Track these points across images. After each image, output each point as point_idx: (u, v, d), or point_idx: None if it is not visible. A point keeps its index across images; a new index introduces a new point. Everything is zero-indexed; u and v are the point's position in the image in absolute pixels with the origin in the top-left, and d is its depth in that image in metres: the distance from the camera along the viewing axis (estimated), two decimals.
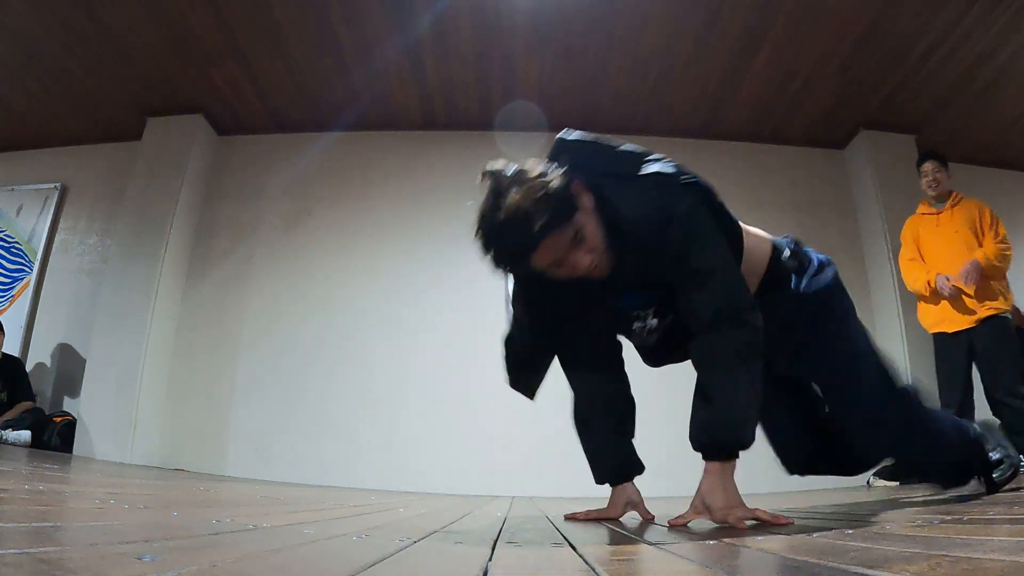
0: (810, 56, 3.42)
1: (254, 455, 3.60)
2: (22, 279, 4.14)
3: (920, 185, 3.02)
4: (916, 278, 2.94)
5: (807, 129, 4.05)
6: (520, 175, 1.00)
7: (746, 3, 3.09)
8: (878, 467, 1.42)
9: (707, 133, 4.00)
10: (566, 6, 3.17)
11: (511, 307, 1.27)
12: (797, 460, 1.39)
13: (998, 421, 2.43)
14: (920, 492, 1.86)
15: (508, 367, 1.32)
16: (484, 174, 1.04)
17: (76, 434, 3.49)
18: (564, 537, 0.84)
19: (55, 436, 3.44)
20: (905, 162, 3.91)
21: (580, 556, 0.63)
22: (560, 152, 1.09)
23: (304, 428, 3.64)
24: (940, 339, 2.87)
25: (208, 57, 3.54)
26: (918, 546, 0.60)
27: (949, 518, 0.91)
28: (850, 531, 0.77)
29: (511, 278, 1.23)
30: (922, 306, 2.98)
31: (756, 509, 0.96)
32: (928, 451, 1.30)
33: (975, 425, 1.47)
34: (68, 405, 3.80)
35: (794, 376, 1.36)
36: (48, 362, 3.96)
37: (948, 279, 2.78)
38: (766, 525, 0.95)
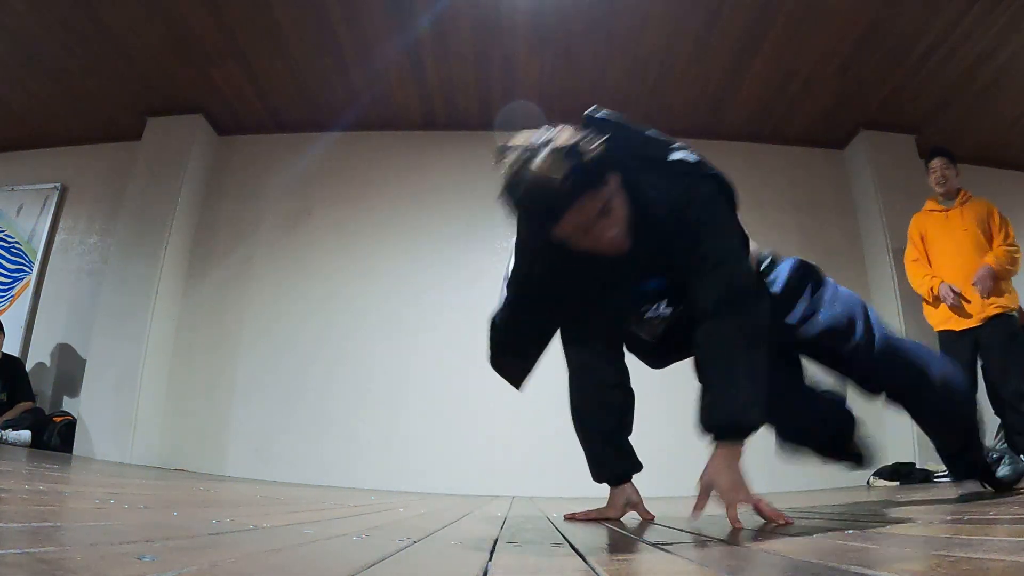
0: (810, 56, 3.42)
1: (254, 455, 3.60)
2: (22, 279, 4.14)
3: (928, 182, 3.02)
4: (920, 283, 2.94)
5: (807, 129, 4.05)
6: (555, 138, 1.00)
7: (746, 3, 3.09)
8: (858, 457, 1.40)
9: (707, 133, 4.00)
10: (566, 6, 3.17)
11: (510, 286, 1.26)
12: (787, 431, 1.38)
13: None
14: (920, 492, 1.86)
15: (493, 348, 1.32)
16: (515, 137, 1.03)
17: (76, 434, 3.49)
18: (564, 537, 0.84)
19: (55, 436, 3.44)
20: (905, 162, 3.92)
21: (580, 556, 0.63)
22: (587, 129, 1.09)
23: (304, 428, 3.64)
24: (946, 337, 2.86)
25: (208, 57, 3.54)
26: (918, 546, 0.60)
27: (949, 518, 0.91)
28: (850, 531, 0.77)
29: (515, 257, 1.23)
30: (927, 304, 2.98)
31: (760, 499, 0.97)
32: (936, 396, 1.30)
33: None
34: (68, 405, 3.80)
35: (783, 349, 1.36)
36: (48, 362, 3.97)
37: (952, 288, 2.78)
38: (765, 518, 0.95)
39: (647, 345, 1.32)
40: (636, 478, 1.28)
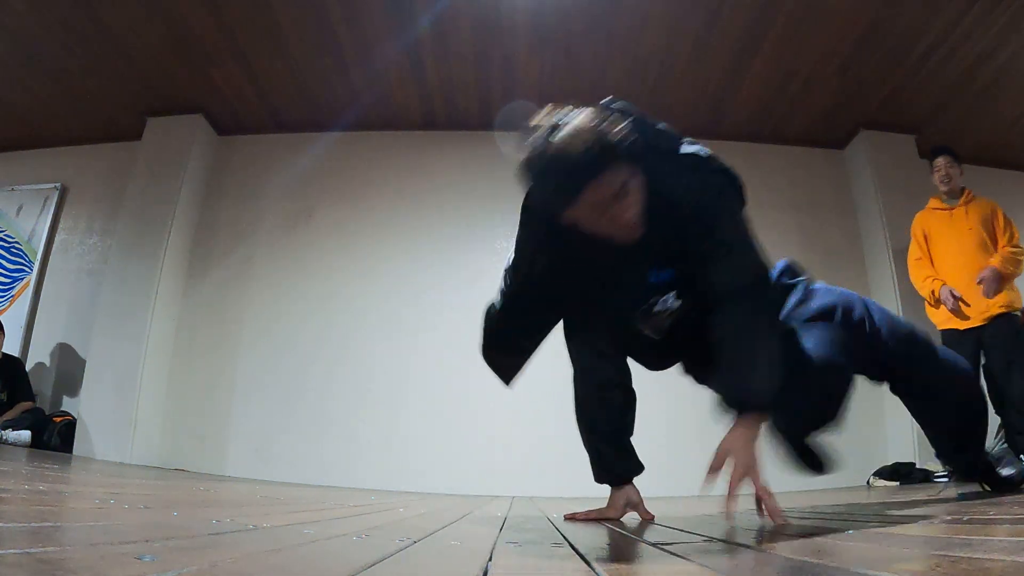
0: (810, 56, 3.42)
1: (254, 455, 3.60)
2: (22, 279, 4.14)
3: (931, 180, 3.01)
4: (921, 285, 2.94)
5: (807, 129, 4.05)
6: (579, 116, 1.01)
7: (746, 3, 3.09)
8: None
9: (707, 133, 3.99)
10: (566, 6, 3.17)
11: (508, 278, 1.26)
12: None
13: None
14: (920, 492, 1.86)
15: (486, 340, 1.32)
16: (537, 115, 1.04)
17: (76, 434, 3.49)
18: (564, 537, 0.84)
19: (55, 436, 3.44)
20: (905, 162, 3.92)
21: (580, 556, 0.63)
22: (608, 112, 1.10)
23: (304, 428, 3.64)
24: (949, 336, 2.85)
25: (208, 57, 3.54)
26: (918, 546, 0.60)
27: (949, 518, 0.91)
28: (850, 531, 0.77)
29: (517, 250, 1.22)
30: (929, 304, 2.98)
31: (767, 488, 0.98)
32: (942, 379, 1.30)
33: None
34: (68, 405, 3.80)
35: None
36: (48, 362, 3.97)
37: (952, 293, 2.78)
38: (764, 510, 0.97)
39: (650, 344, 1.32)
40: (636, 478, 1.28)
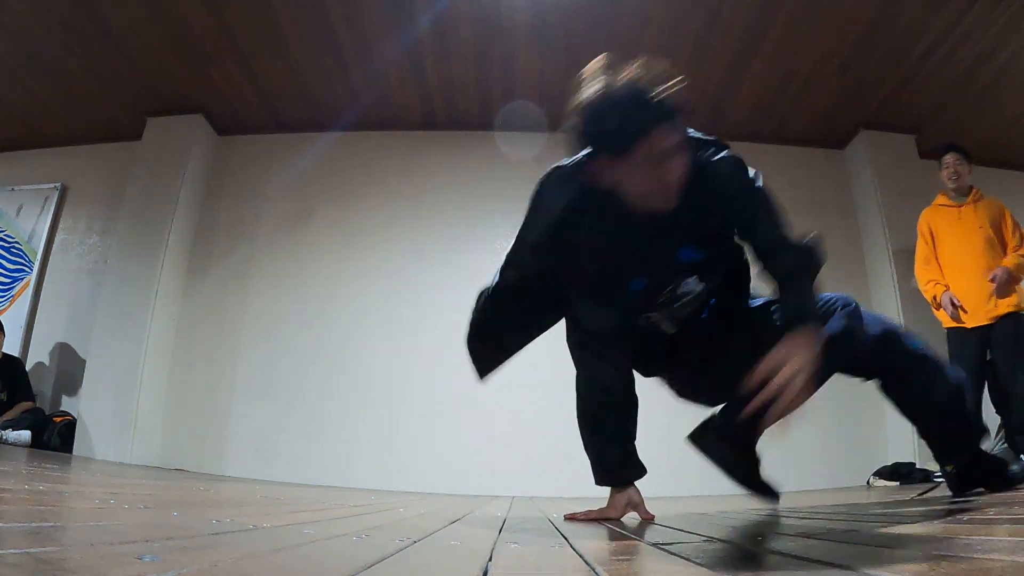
0: (810, 56, 3.42)
1: (254, 455, 3.60)
2: (22, 279, 4.14)
3: (939, 176, 3.01)
4: (925, 288, 2.94)
5: (807, 129, 4.05)
6: (651, 68, 1.08)
7: (746, 3, 3.09)
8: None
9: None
10: (566, 6, 3.17)
11: (508, 267, 1.26)
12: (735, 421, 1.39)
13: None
14: (920, 492, 1.86)
15: (471, 329, 1.33)
16: (594, 65, 1.10)
17: (76, 434, 3.49)
18: (564, 537, 0.84)
19: (55, 436, 3.44)
20: (905, 162, 3.92)
21: (580, 556, 0.63)
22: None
23: (304, 428, 3.64)
24: (956, 334, 2.85)
25: (208, 57, 3.54)
26: (918, 546, 0.60)
27: (949, 518, 0.91)
28: (850, 531, 0.77)
29: (529, 227, 1.22)
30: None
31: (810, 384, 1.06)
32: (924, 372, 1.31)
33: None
34: (68, 405, 3.80)
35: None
36: (48, 362, 3.97)
37: (952, 301, 2.79)
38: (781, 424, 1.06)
39: (653, 346, 1.31)
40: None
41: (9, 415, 3.46)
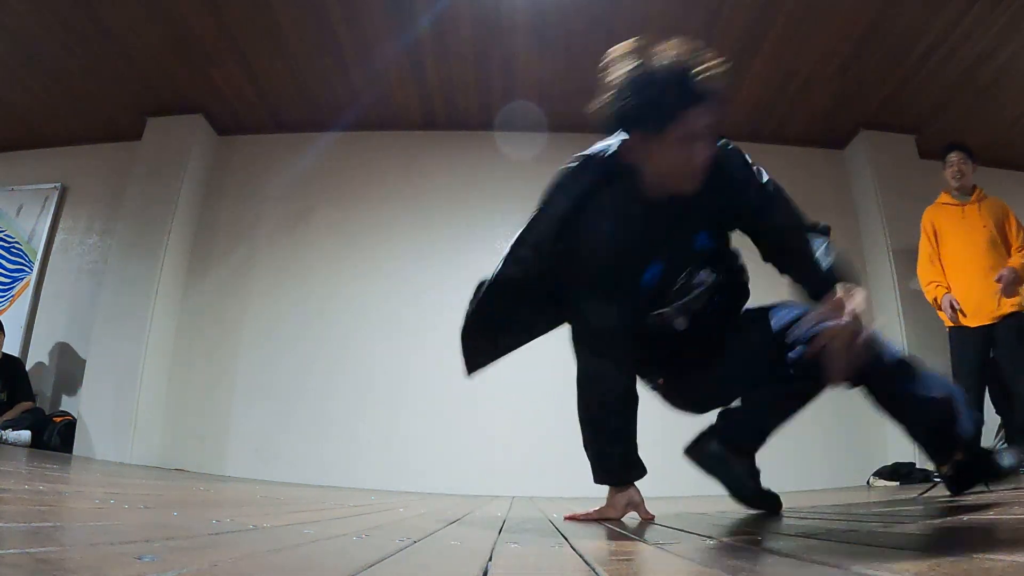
0: (810, 56, 3.42)
1: (254, 455, 3.60)
2: (22, 279, 4.14)
3: (943, 175, 3.01)
4: (926, 288, 2.95)
5: (807, 129, 4.05)
6: (686, 48, 1.12)
7: (746, 3, 3.09)
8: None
9: None
10: (566, 6, 3.17)
11: (517, 251, 1.26)
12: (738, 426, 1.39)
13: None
14: (920, 492, 1.86)
15: (469, 322, 1.32)
16: (626, 45, 1.15)
17: (76, 434, 3.49)
18: (564, 537, 0.84)
19: (55, 436, 3.44)
20: (905, 162, 3.92)
21: (580, 556, 0.63)
22: None
23: (304, 428, 3.64)
24: (959, 333, 2.85)
25: (208, 57, 3.54)
26: (918, 546, 0.60)
27: (949, 518, 0.91)
28: (850, 531, 0.77)
29: (544, 213, 1.23)
30: None
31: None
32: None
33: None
34: (68, 405, 3.80)
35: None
36: (48, 362, 3.97)
37: (952, 304, 2.79)
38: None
39: (663, 345, 1.31)
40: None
41: (9, 415, 3.46)
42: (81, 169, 4.31)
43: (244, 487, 2.22)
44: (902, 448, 3.26)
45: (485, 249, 3.66)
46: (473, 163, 4.06)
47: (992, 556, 0.47)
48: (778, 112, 3.90)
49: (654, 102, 1.09)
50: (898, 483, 2.98)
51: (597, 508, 1.26)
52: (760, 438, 1.34)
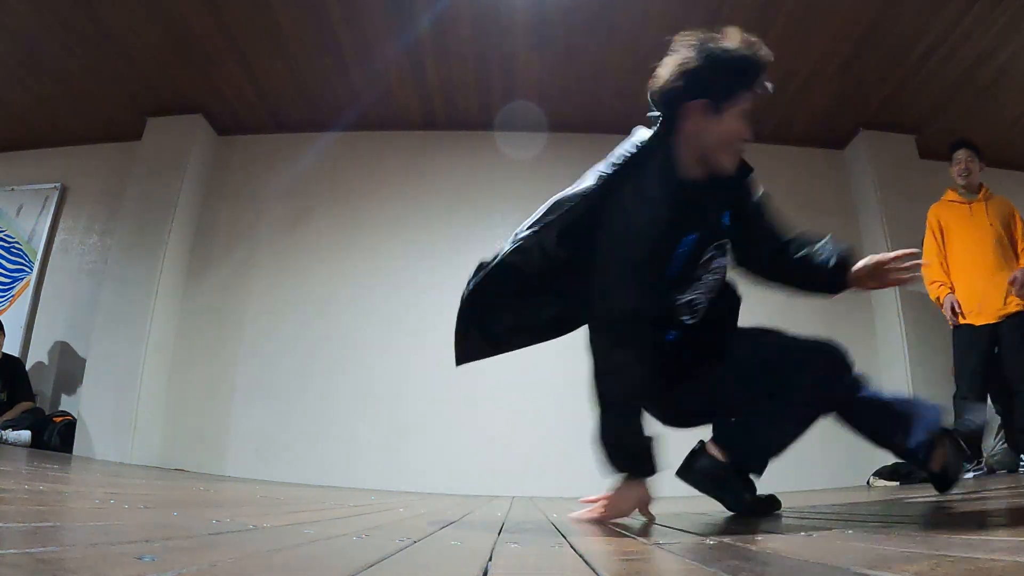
0: (810, 56, 3.42)
1: (254, 455, 3.60)
2: (22, 279, 4.14)
3: (950, 173, 3.01)
4: (930, 287, 2.95)
5: (807, 129, 4.05)
6: (747, 37, 1.36)
7: (746, 3, 3.09)
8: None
9: None
10: (566, 5, 3.17)
11: (550, 234, 1.25)
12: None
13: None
14: (920, 492, 1.86)
15: (466, 303, 1.31)
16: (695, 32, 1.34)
17: (76, 434, 3.49)
18: (564, 537, 0.84)
19: (55, 436, 3.44)
20: (905, 162, 3.92)
21: (580, 556, 0.63)
22: None
23: (304, 428, 3.64)
24: (964, 332, 2.84)
25: (208, 57, 3.54)
26: (918, 546, 0.60)
27: (949, 518, 0.91)
28: (850, 531, 0.77)
29: (580, 194, 1.27)
30: None
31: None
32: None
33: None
34: (68, 405, 3.80)
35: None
36: (48, 362, 3.97)
37: (954, 307, 2.79)
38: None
39: (676, 341, 1.31)
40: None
41: (9, 415, 3.46)
42: (81, 169, 4.31)
43: (244, 487, 2.21)
44: None
45: (485, 249, 3.68)
46: (473, 163, 4.06)
47: (993, 556, 0.47)
48: (778, 112, 3.90)
49: (727, 74, 1.27)
50: (898, 483, 2.98)
51: (603, 498, 1.22)
52: (763, 461, 1.30)
